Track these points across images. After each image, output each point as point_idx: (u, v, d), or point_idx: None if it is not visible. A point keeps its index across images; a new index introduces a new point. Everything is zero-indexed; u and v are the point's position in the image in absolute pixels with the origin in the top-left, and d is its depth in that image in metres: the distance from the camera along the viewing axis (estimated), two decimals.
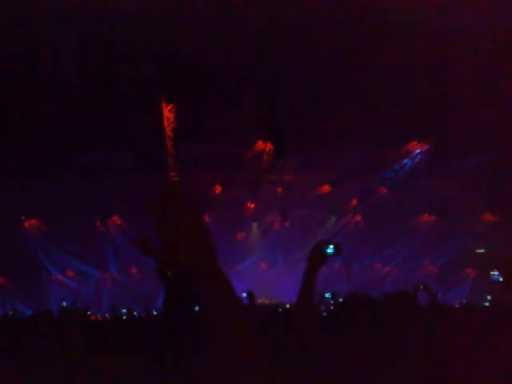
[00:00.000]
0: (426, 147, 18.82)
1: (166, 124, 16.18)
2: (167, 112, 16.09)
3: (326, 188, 20.64)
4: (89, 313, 14.44)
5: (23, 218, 19.88)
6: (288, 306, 12.44)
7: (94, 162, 17.02)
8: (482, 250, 21.40)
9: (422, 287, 6.38)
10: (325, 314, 6.78)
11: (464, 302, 17.41)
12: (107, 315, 15.88)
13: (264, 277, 20.55)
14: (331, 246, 2.80)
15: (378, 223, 20.72)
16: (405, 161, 19.56)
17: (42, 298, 19.52)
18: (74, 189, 17.15)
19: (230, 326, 1.14)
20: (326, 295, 8.24)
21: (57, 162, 16.47)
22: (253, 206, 21.24)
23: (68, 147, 15.91)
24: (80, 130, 15.16)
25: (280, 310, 11.11)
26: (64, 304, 17.74)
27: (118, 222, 20.62)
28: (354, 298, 2.68)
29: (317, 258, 2.74)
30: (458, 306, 15.98)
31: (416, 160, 19.27)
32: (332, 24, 12.35)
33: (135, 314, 13.38)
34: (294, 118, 16.13)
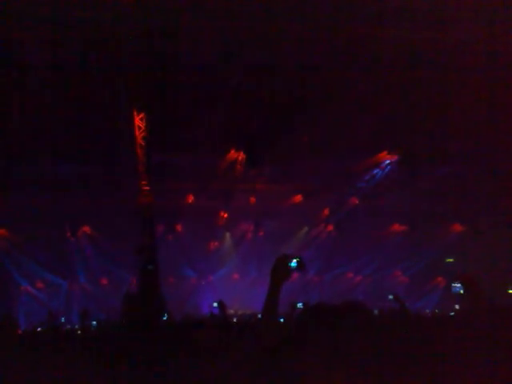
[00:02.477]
0: (395, 158, 19.08)
1: (137, 133, 16.03)
2: (138, 121, 15.95)
3: (298, 198, 20.72)
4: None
5: None
6: (260, 316, 12.40)
7: (64, 173, 16.76)
8: (451, 260, 21.69)
9: (391, 297, 6.44)
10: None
11: (436, 310, 17.65)
12: (76, 325, 15.56)
13: (237, 287, 20.46)
14: (294, 260, 2.70)
15: (349, 233, 20.86)
16: (375, 171, 19.78)
17: (10, 310, 19.04)
18: (44, 199, 16.85)
19: None
20: (298, 305, 8.24)
21: (26, 172, 16.19)
22: (226, 215, 21.19)
23: (38, 158, 15.66)
24: (50, 140, 14.95)
25: (253, 319, 11.08)
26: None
27: (89, 232, 20.34)
28: (318, 307, 2.65)
29: (279, 271, 2.68)
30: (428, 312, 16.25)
31: (386, 170, 19.51)
32: (304, 36, 12.47)
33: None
34: (267, 129, 16.20)
